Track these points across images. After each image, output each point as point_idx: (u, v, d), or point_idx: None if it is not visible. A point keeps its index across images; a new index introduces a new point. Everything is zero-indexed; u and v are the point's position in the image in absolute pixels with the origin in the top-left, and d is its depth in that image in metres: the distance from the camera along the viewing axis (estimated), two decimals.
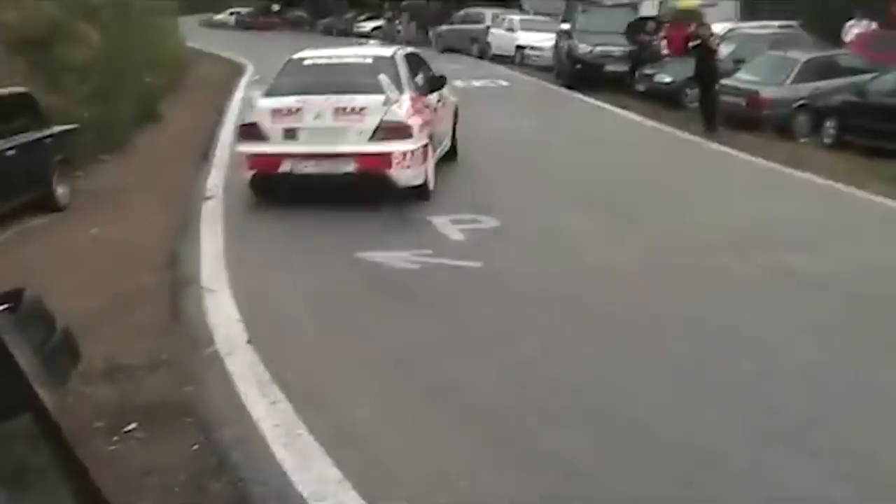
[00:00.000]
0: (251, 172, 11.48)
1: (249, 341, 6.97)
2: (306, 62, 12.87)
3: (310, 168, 11.19)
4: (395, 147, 11.10)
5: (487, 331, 7.34)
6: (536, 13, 35.12)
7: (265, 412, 5.72)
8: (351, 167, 11.13)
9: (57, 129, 12.76)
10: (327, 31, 52.33)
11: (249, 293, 8.21)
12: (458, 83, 25.87)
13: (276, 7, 69.98)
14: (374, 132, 11.17)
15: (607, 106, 21.94)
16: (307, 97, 11.54)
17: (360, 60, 12.89)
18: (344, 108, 11.30)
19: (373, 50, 14.96)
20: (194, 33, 45.35)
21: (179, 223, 11.13)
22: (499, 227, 10.49)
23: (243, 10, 72.59)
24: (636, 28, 24.95)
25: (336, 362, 6.71)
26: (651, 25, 24.98)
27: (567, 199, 12.09)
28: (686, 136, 17.71)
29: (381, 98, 11.32)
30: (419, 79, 12.87)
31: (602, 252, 9.42)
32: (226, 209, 11.62)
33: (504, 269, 8.98)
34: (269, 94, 11.99)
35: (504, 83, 27.06)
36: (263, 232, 10.61)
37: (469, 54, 35.70)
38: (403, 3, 47.15)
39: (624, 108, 21.30)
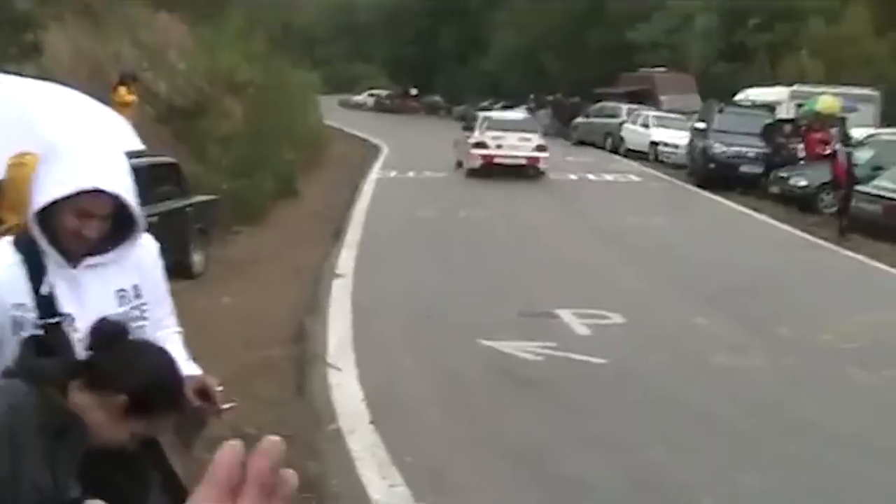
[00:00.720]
0: (480, 161, 24.94)
1: (372, 421, 7.02)
2: (503, 118, 28.83)
3: (506, 161, 24.78)
4: (541, 155, 25.43)
5: (611, 430, 7.26)
6: (671, 111, 35.14)
7: (384, 494, 5.74)
8: (524, 161, 25.10)
9: (198, 198, 13.15)
10: (462, 118, 53.05)
11: (374, 373, 8.27)
12: (591, 176, 26.10)
13: (414, 91, 71.15)
14: (534, 148, 25.31)
15: (739, 207, 21.73)
16: (504, 132, 25.47)
17: (522, 116, 31.00)
18: (522, 137, 25.43)
19: (522, 114, 34.07)
20: (333, 112, 46.49)
21: (309, 298, 11.31)
22: (625, 323, 10.41)
23: (382, 93, 74.02)
24: (773, 130, 24.75)
25: (456, 448, 6.70)
26: (788, 128, 24.74)
27: (693, 299, 11.96)
28: (818, 241, 17.40)
29: (537, 134, 25.88)
30: None
31: (728, 355, 9.27)
32: (355, 288, 11.77)
33: (629, 367, 8.89)
34: (487, 128, 25.60)
35: (636, 178, 27.06)
36: (391, 313, 10.70)
37: (602, 148, 35.85)
38: (549, 98, 47.88)
39: (756, 210, 21.05)
